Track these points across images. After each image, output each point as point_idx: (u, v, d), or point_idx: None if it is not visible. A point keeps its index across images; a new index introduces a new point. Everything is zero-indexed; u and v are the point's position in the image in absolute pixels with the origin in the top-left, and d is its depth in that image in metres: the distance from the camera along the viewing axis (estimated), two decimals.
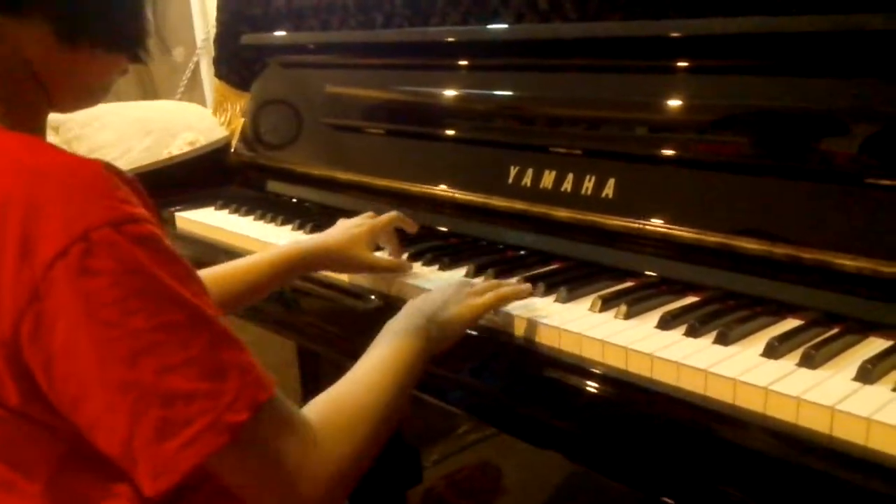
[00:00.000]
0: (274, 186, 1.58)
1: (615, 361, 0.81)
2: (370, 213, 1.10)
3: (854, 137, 0.86)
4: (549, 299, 0.94)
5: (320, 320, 1.14)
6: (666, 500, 0.73)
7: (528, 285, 0.94)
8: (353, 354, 1.13)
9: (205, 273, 0.94)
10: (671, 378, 0.76)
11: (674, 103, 1.02)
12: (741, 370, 0.73)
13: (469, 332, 0.89)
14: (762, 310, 0.88)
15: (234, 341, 0.60)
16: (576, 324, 0.86)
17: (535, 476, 1.84)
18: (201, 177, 1.63)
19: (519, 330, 0.89)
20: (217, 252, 1.33)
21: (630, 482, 0.76)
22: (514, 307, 0.91)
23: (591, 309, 0.90)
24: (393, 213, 1.10)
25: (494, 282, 0.95)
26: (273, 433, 0.61)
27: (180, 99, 2.85)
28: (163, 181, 1.59)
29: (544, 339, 0.87)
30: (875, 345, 0.79)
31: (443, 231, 1.24)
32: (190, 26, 2.85)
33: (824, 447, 0.66)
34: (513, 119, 1.21)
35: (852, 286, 0.83)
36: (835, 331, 0.82)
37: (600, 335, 0.82)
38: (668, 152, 1.00)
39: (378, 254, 1.09)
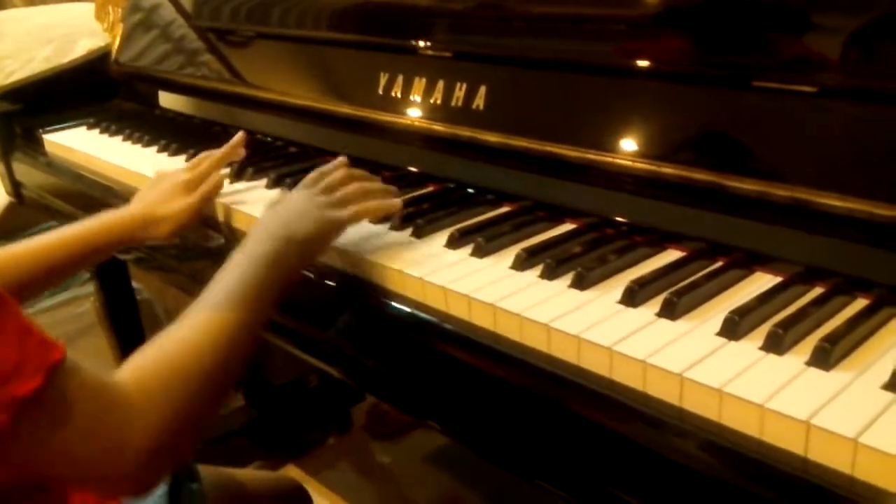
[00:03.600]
0: (164, 100, 1.43)
1: (458, 312, 0.69)
2: (200, 157, 0.97)
3: (746, 33, 0.71)
4: (406, 233, 0.81)
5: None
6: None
7: (397, 200, 0.81)
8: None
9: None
10: (516, 334, 0.65)
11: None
12: (589, 323, 0.61)
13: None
14: (643, 239, 0.75)
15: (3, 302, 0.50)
16: (421, 266, 0.73)
17: None
18: (83, 91, 1.48)
19: (364, 271, 0.77)
20: (88, 183, 1.19)
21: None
22: (358, 243, 0.79)
23: (448, 245, 0.78)
24: (216, 154, 0.96)
25: (356, 186, 0.79)
26: (76, 401, 0.52)
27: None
28: (37, 97, 1.43)
29: (388, 282, 0.75)
30: (759, 283, 0.66)
31: (321, 150, 1.09)
32: None
33: (677, 424, 0.54)
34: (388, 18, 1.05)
35: (745, 210, 0.70)
36: (718, 265, 0.69)
37: (442, 280, 0.70)
38: (545, 54, 0.85)
39: None
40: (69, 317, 1.87)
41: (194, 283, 1.04)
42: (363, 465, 1.81)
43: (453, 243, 0.77)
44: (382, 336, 0.75)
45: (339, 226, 0.76)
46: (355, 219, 0.77)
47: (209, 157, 0.96)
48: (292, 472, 1.75)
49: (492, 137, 0.86)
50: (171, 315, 1.95)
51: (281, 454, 1.79)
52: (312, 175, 0.80)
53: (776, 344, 0.56)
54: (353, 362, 0.80)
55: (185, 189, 0.91)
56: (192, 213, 0.91)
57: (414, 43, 0.95)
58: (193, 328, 0.63)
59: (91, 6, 2.32)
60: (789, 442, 0.50)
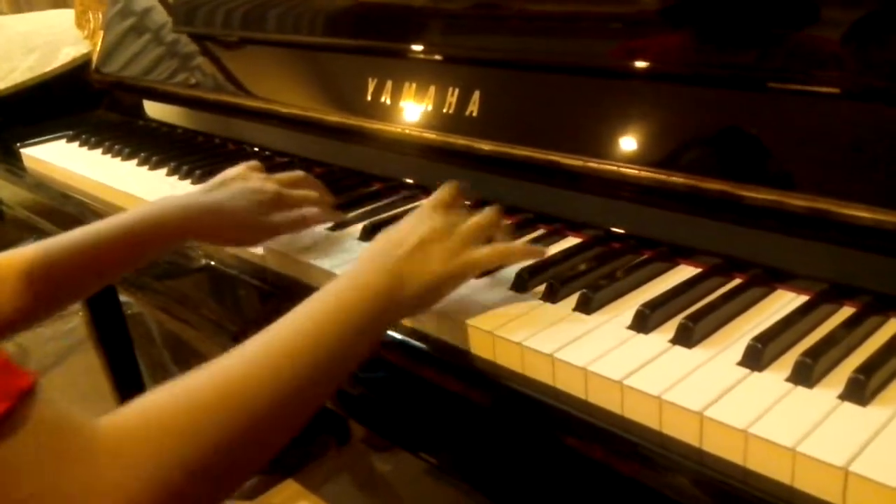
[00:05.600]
0: (150, 110, 1.37)
1: (456, 340, 0.63)
2: (254, 164, 0.83)
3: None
4: None
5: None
6: None
7: (541, 248, 0.69)
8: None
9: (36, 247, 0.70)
10: (517, 365, 0.59)
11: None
12: (597, 353, 0.56)
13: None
14: (653, 254, 0.70)
15: None
16: None
17: None
18: (65, 101, 1.42)
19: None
20: (68, 200, 1.13)
21: None
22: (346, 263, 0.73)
23: None
24: (311, 199, 0.82)
25: (496, 219, 0.66)
26: (35, 444, 0.42)
27: None
28: (18, 108, 1.38)
29: None
30: (781, 302, 0.61)
31: (311, 161, 1.04)
32: None
33: (697, 469, 0.49)
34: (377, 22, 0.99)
35: (763, 222, 0.64)
36: (735, 283, 0.64)
37: (437, 306, 0.64)
38: (542, 56, 0.79)
39: None
40: (59, 333, 1.82)
41: (177, 305, 0.99)
42: (363, 478, 1.76)
43: None
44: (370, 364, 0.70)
45: (474, 267, 0.63)
46: (491, 263, 0.65)
47: (306, 182, 0.84)
48: (291, 486, 1.70)
49: (487, 146, 0.81)
50: (163, 329, 1.90)
51: (279, 469, 1.74)
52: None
53: (805, 375, 0.51)
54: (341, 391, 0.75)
55: (273, 203, 0.78)
56: (263, 240, 0.80)
57: (403, 46, 0.90)
58: (253, 349, 0.51)
59: (69, 14, 2.26)
60: (824, 490, 0.44)
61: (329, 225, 0.83)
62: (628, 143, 0.71)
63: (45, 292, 0.69)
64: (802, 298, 0.61)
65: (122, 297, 1.64)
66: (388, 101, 0.90)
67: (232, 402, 0.48)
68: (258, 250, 0.81)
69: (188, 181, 1.02)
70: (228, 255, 0.85)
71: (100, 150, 1.19)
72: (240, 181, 0.79)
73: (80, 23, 1.52)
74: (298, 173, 0.85)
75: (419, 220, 0.64)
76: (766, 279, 0.64)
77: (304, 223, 0.80)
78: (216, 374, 0.50)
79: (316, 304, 0.56)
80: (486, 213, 0.66)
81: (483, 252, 0.63)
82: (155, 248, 0.75)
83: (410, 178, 0.92)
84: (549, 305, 0.63)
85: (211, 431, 0.47)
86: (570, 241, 0.75)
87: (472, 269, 0.63)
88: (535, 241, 0.76)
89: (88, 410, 0.46)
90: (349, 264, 0.73)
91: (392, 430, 0.73)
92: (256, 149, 1.13)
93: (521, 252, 0.67)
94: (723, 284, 0.64)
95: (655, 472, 0.50)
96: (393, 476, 1.75)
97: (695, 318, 0.57)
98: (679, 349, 0.56)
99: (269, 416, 0.50)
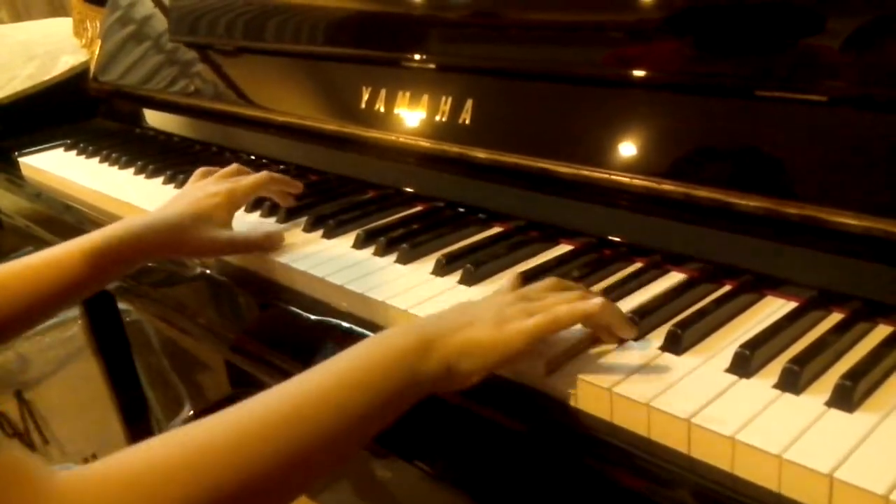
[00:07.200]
0: (149, 118, 1.38)
1: None
2: (234, 168, 0.86)
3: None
4: (390, 258, 0.77)
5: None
6: None
7: (596, 301, 0.57)
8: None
9: None
10: (510, 372, 0.59)
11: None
12: (587, 361, 0.56)
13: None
14: (644, 262, 0.70)
15: None
16: (406, 297, 0.68)
17: None
18: (64, 110, 1.43)
19: (349, 303, 0.72)
20: (67, 209, 1.13)
21: None
22: (342, 271, 0.74)
23: (434, 273, 0.73)
24: (261, 176, 0.85)
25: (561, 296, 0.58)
26: None
27: None
28: (17, 117, 1.39)
29: (374, 315, 0.70)
30: (770, 309, 0.61)
31: (306, 169, 1.05)
32: None
33: (688, 476, 0.49)
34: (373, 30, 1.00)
35: (753, 229, 0.65)
36: (725, 289, 0.64)
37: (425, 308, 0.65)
38: (535, 65, 0.80)
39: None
40: (57, 341, 1.82)
41: (175, 313, 0.99)
42: (364, 485, 1.76)
43: (441, 270, 0.72)
44: None
45: (527, 336, 0.54)
46: (545, 330, 0.55)
47: (243, 173, 0.86)
48: None
49: (480, 153, 0.81)
50: (162, 336, 1.90)
51: None
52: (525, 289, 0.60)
53: (792, 382, 0.51)
54: None
55: (227, 204, 0.81)
56: (221, 253, 0.82)
57: (396, 55, 0.91)
58: (248, 410, 0.47)
59: (67, 22, 2.27)
60: (810, 496, 0.45)
61: (323, 232, 0.84)
62: (620, 150, 0.71)
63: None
64: (791, 305, 0.61)
65: (121, 305, 1.64)
66: (383, 110, 0.90)
67: (209, 468, 0.44)
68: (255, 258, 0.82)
69: None
70: (225, 263, 0.86)
71: (97, 159, 1.20)
72: (193, 191, 0.82)
73: (78, 31, 1.53)
74: (239, 167, 0.87)
75: (489, 296, 0.60)
76: (756, 286, 0.64)
77: (267, 246, 0.81)
78: (198, 436, 0.46)
79: (338, 363, 0.52)
80: (547, 281, 0.61)
81: (532, 320, 0.54)
82: (110, 272, 0.75)
83: (405, 186, 0.92)
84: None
85: (187, 495, 0.43)
86: (563, 248, 0.75)
87: (526, 337, 0.54)
88: (527, 247, 0.76)
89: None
90: (344, 271, 0.74)
91: (389, 437, 0.73)
92: (253, 157, 1.13)
93: (569, 316, 0.56)
94: (713, 291, 0.64)
95: (644, 478, 0.50)
96: (392, 483, 1.75)
97: (684, 325, 0.57)
98: (668, 356, 0.56)
99: (249, 483, 0.45)
